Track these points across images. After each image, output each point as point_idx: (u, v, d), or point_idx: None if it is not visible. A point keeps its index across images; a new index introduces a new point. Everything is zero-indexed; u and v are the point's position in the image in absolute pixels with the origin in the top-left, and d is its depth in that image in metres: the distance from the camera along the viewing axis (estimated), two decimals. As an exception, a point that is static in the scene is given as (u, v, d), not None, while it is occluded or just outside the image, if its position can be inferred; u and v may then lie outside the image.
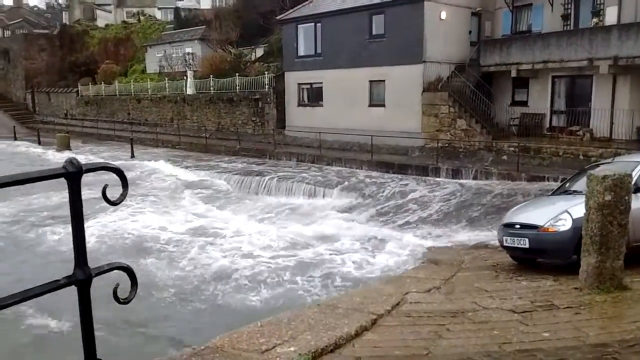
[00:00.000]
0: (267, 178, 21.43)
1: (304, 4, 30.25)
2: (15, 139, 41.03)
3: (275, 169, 23.32)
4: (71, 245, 2.25)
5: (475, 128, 22.41)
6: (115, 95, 43.55)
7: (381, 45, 24.83)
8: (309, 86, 28.93)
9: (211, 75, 34.78)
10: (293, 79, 29.43)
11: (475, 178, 18.85)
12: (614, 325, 4.77)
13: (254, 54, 37.87)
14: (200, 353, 3.84)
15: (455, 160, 21.14)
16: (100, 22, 58.66)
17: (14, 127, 43.85)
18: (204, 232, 14.59)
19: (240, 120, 32.39)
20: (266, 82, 30.85)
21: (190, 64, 38.99)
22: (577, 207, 7.21)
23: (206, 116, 34.83)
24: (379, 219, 15.90)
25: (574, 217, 7.38)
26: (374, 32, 25.22)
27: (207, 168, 24.84)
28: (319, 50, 28.01)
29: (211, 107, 34.48)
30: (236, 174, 22.96)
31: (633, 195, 6.22)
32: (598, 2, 21.69)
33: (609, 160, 10.57)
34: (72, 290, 2.24)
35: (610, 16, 20.83)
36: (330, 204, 17.98)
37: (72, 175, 2.13)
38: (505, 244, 8.37)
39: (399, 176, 20.38)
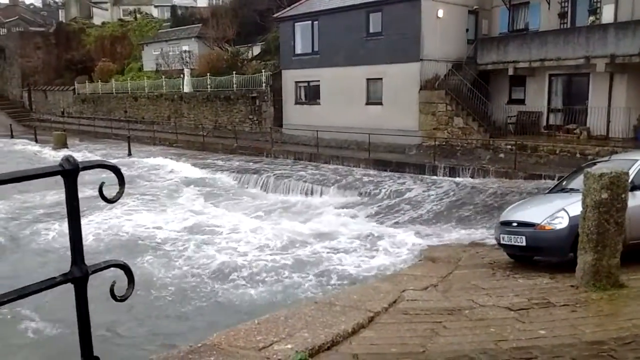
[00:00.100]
0: (264, 176, 21.44)
1: (301, 1, 30.25)
2: (12, 137, 40.93)
3: (273, 167, 23.31)
4: (68, 243, 2.26)
5: (473, 126, 22.43)
6: (112, 93, 43.47)
7: (378, 44, 24.82)
8: (306, 84, 28.91)
9: (208, 74, 34.73)
10: (290, 77, 29.41)
11: (472, 176, 18.87)
12: (610, 323, 4.79)
13: (251, 52, 37.84)
14: (197, 350, 3.84)
15: (452, 159, 21.16)
16: (97, 20, 58.48)
17: (11, 125, 43.73)
18: (200, 229, 14.57)
19: (237, 119, 32.37)
20: (263, 80, 30.82)
21: (187, 62, 38.92)
22: (573, 205, 7.23)
23: (203, 114, 34.78)
24: (375, 217, 15.90)
25: (570, 215, 7.40)
26: (371, 30, 25.22)
27: (202, 166, 24.80)
28: (316, 49, 27.99)
29: (208, 105, 34.43)
30: (233, 172, 22.99)
31: (630, 193, 6.24)
32: (595, 1, 21.73)
33: (606, 158, 10.60)
34: (69, 288, 2.24)
35: (607, 14, 20.86)
36: (327, 202, 17.98)
37: (69, 172, 2.13)
38: (502, 241, 8.39)
39: (396, 174, 20.39)
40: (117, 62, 48.55)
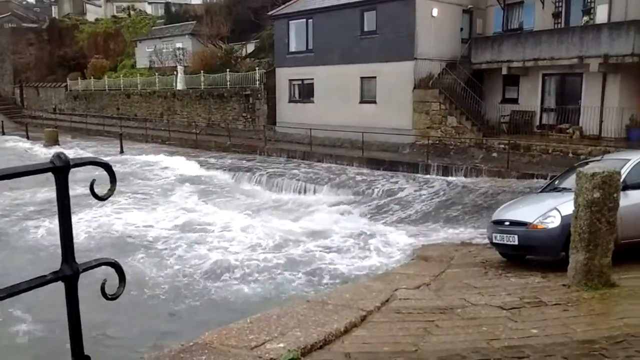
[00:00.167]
0: (257, 174, 21.43)
1: (295, -1, 30.21)
2: (4, 133, 40.71)
3: (266, 165, 23.29)
4: (58, 241, 2.24)
5: (466, 125, 22.48)
6: (105, 90, 43.27)
7: (372, 42, 24.82)
8: (300, 82, 28.88)
9: (202, 71, 34.63)
10: (284, 75, 29.37)
11: (465, 175, 18.91)
12: (601, 322, 4.81)
13: (245, 49, 37.76)
14: (189, 349, 3.82)
15: (445, 158, 21.20)
16: (90, 17, 58.16)
17: (2, 121, 43.44)
18: (193, 227, 14.53)
19: (230, 116, 32.30)
20: (257, 78, 30.76)
21: (180, 59, 38.80)
22: (565, 205, 7.26)
23: (196, 112, 34.69)
24: (368, 215, 15.91)
25: (562, 214, 7.42)
26: (365, 29, 25.22)
27: (196, 163, 24.78)
28: (310, 47, 27.95)
29: (201, 102, 34.34)
30: (226, 169, 22.95)
31: (622, 193, 6.27)
32: (589, 1, 21.80)
33: (598, 158, 10.65)
34: (60, 286, 2.22)
35: (601, 14, 20.95)
36: (320, 201, 17.98)
37: (60, 169, 2.11)
38: (494, 240, 8.41)
39: (390, 173, 20.41)
40: (110, 58, 48.34)
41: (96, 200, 2.29)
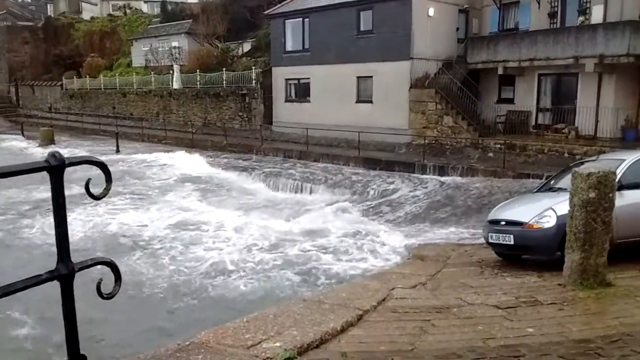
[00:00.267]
0: (254, 174, 21.43)
1: (291, -2, 30.17)
2: (-1, 132, 40.56)
3: (262, 164, 23.28)
4: (53, 240, 2.23)
5: (462, 125, 22.52)
6: (101, 89, 43.16)
7: (369, 42, 24.83)
8: (296, 82, 28.87)
9: (198, 70, 34.58)
10: (280, 74, 29.35)
11: (461, 175, 18.93)
12: (597, 321, 4.82)
13: (241, 48, 37.73)
14: (185, 349, 3.82)
15: (441, 157, 21.22)
16: (86, 15, 57.97)
17: (-3, 120, 43.35)
18: (189, 226, 14.52)
19: (227, 116, 32.26)
20: (253, 77, 30.74)
21: (176, 58, 38.73)
22: (561, 204, 7.28)
23: (192, 111, 34.63)
24: (364, 215, 15.92)
25: (558, 214, 7.44)
26: (361, 28, 25.22)
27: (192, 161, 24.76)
28: (306, 46, 27.94)
29: (198, 101, 34.29)
30: (222, 168, 22.95)
31: (617, 193, 6.29)
32: (584, 1, 21.87)
33: (594, 158, 10.68)
34: (55, 286, 2.21)
35: (597, 15, 21.01)
36: (316, 200, 17.97)
37: (55, 168, 2.10)
38: (490, 240, 8.43)
39: (386, 173, 20.41)
40: (106, 57, 48.22)
41: (95, 198, 2.28)
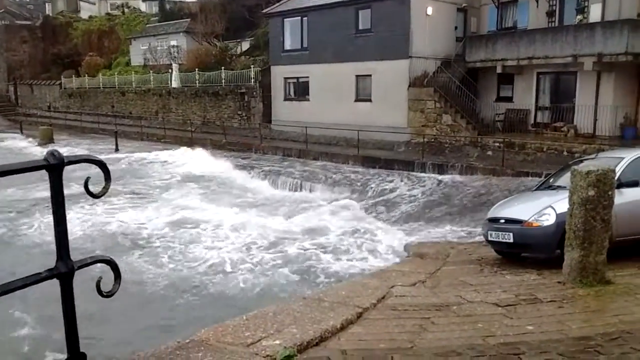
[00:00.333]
0: (253, 172, 21.43)
1: (290, -3, 30.14)
2: (-3, 131, 40.52)
3: (261, 163, 23.27)
4: (52, 239, 2.22)
5: (461, 123, 22.52)
6: (99, 87, 43.12)
7: (367, 40, 24.82)
8: (295, 80, 28.85)
9: (196, 69, 34.55)
10: (279, 73, 29.33)
11: (460, 173, 18.93)
12: (596, 319, 4.82)
13: (239, 47, 37.69)
14: (185, 346, 3.81)
15: (440, 156, 21.22)
16: (84, 14, 57.89)
17: (-4, 119, 43.31)
18: (188, 224, 14.53)
19: (226, 114, 32.23)
20: (252, 76, 30.72)
21: (175, 57, 38.69)
22: (560, 202, 7.28)
23: (191, 110, 34.61)
24: (364, 213, 15.93)
25: (557, 212, 7.45)
26: (360, 27, 25.21)
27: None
28: (305, 45, 27.93)
29: (197, 100, 34.26)
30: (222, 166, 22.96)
31: (616, 191, 6.29)
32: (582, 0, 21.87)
33: (593, 156, 10.68)
34: (55, 284, 2.20)
35: (595, 13, 21.01)
36: (316, 199, 17.98)
37: (54, 167, 2.10)
38: (489, 238, 8.43)
39: (385, 172, 20.40)
40: (104, 56, 48.16)
41: (94, 197, 2.28)
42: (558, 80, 22.72)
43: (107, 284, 2.36)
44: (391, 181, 18.89)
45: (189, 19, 41.45)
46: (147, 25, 46.76)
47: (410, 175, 19.47)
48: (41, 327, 8.17)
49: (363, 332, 4.56)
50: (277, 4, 30.67)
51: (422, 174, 19.56)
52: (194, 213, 15.75)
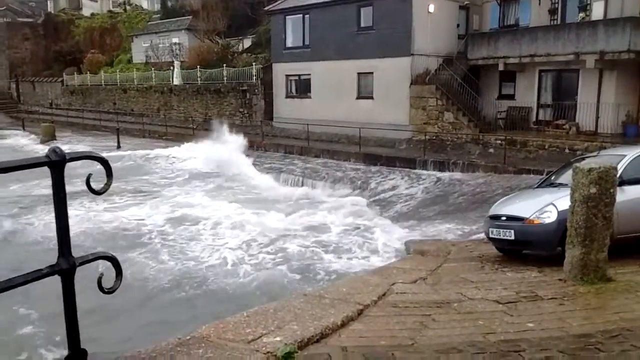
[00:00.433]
0: (255, 169, 21.46)
1: (292, -6, 30.08)
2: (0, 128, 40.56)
3: (262, 160, 23.27)
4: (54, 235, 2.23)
5: (463, 121, 22.49)
6: (101, 85, 43.12)
7: (369, 38, 24.79)
8: (297, 78, 28.83)
9: (198, 66, 34.52)
10: (281, 71, 29.31)
11: (462, 171, 18.93)
12: (597, 316, 4.82)
13: (241, 44, 37.65)
14: (186, 343, 3.82)
15: (442, 153, 21.21)
16: (86, 11, 57.83)
17: (-2, 116, 43.36)
18: (189, 220, 14.56)
19: (227, 112, 32.22)
20: (254, 73, 30.69)
21: (177, 54, 38.66)
22: (562, 200, 7.27)
23: (193, 107, 34.60)
24: (366, 209, 15.93)
25: (559, 210, 7.43)
26: (362, 25, 25.18)
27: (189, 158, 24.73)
28: (307, 42, 27.90)
29: (198, 97, 34.25)
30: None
31: (618, 188, 6.28)
32: (585, -3, 21.83)
33: (595, 153, 10.66)
34: (56, 280, 2.21)
35: (597, 11, 20.96)
36: (317, 195, 17.99)
37: (56, 163, 2.11)
38: (491, 235, 8.42)
39: (387, 169, 20.41)
40: (106, 53, 48.13)
41: (96, 193, 2.29)
42: (560, 78, 22.67)
43: (109, 281, 2.37)
44: (392, 179, 18.89)
45: (190, 16, 41.38)
46: (149, 23, 46.69)
47: (412, 173, 19.47)
48: (43, 323, 8.19)
49: (364, 329, 4.57)
50: (279, 1, 30.63)
51: (424, 172, 19.55)
52: (194, 210, 15.75)
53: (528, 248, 8.36)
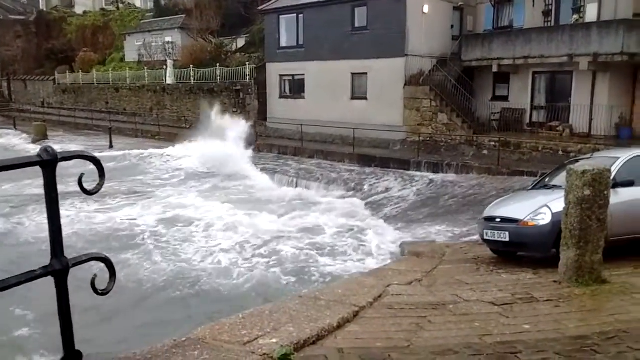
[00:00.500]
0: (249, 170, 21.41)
1: (286, -6, 30.04)
2: (-10, 127, 40.28)
3: (256, 161, 23.20)
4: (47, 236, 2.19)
5: (457, 122, 22.53)
6: (93, 84, 42.91)
7: (363, 38, 24.79)
8: (290, 78, 28.79)
9: (191, 65, 34.42)
10: (275, 70, 29.25)
11: (456, 172, 18.95)
12: (593, 318, 4.83)
13: (235, 44, 37.57)
14: (182, 344, 3.79)
15: (436, 155, 21.24)
16: (78, 9, 57.54)
17: (-11, 115, 43.04)
18: (181, 220, 14.49)
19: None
20: (247, 73, 30.62)
21: (170, 53, 38.53)
22: (556, 202, 7.28)
23: (186, 106, 34.48)
24: (360, 211, 15.91)
25: (553, 212, 7.45)
26: (356, 25, 25.17)
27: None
28: (301, 42, 27.87)
29: (191, 97, 34.14)
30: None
31: (612, 190, 6.29)
32: (578, -1, 21.93)
33: (588, 155, 10.70)
34: (50, 282, 2.17)
35: (591, 13, 21.05)
36: (310, 196, 17.95)
37: (47, 163, 2.08)
38: (485, 237, 8.43)
39: (381, 170, 20.40)
40: (98, 52, 47.92)
41: (88, 193, 2.25)
42: (554, 79, 22.76)
43: (103, 282, 2.33)
44: (386, 180, 18.88)
45: (184, 15, 41.25)
46: (142, 21, 46.52)
47: (406, 174, 19.47)
48: (38, 325, 8.11)
49: (360, 330, 4.55)
50: (273, 0, 30.58)
51: (418, 173, 19.57)
52: (188, 210, 15.69)
53: (523, 250, 8.37)
